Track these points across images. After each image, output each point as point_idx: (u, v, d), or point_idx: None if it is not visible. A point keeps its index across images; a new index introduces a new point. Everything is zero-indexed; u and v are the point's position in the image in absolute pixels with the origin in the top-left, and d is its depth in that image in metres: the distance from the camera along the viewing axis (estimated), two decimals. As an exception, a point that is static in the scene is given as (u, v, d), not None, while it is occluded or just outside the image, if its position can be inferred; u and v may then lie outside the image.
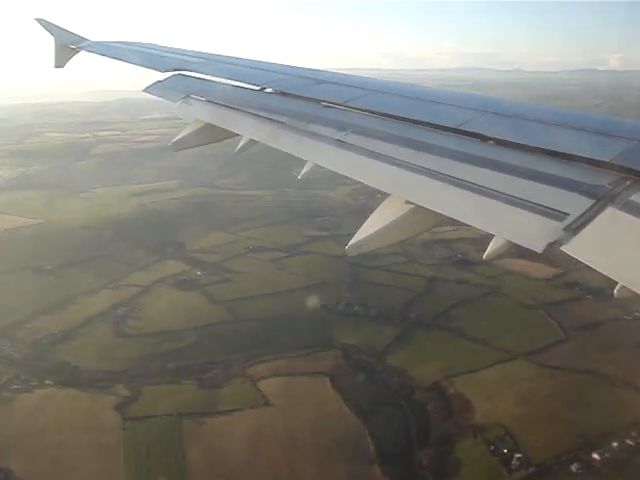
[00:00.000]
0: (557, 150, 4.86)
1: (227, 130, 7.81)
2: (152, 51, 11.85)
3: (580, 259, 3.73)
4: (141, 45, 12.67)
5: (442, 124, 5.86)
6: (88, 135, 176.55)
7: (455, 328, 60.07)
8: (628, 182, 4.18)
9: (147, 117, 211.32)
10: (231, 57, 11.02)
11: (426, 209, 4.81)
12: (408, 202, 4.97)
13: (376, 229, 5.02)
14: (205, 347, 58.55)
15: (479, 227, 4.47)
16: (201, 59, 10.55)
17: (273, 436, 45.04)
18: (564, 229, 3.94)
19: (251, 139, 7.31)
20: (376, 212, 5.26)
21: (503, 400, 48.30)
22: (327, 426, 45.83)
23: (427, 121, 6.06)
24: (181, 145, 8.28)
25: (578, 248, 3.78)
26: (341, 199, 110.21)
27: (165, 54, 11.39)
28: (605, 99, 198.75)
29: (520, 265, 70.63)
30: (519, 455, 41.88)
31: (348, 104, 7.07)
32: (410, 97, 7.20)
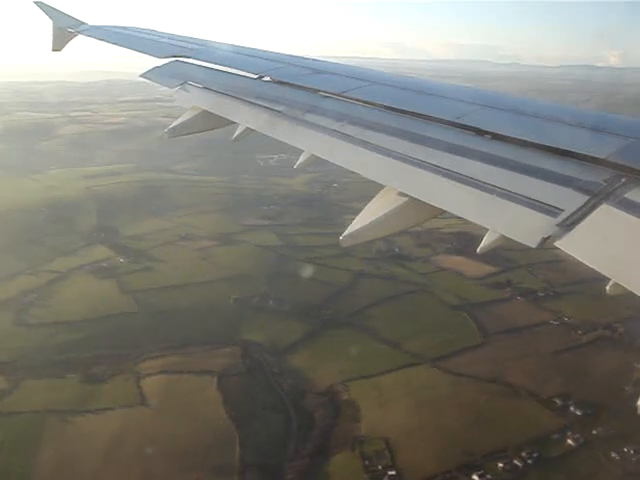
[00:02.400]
0: (553, 146, 4.75)
1: (224, 118, 7.65)
2: (150, 37, 11.75)
3: (573, 255, 3.62)
4: (140, 30, 12.54)
5: (439, 117, 5.79)
6: (59, 115, 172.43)
7: (369, 328, 55.92)
8: (623, 179, 4.11)
9: (126, 99, 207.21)
10: (229, 45, 10.96)
11: (421, 201, 4.71)
12: (403, 194, 4.87)
13: (371, 220, 4.88)
14: (101, 339, 54.91)
15: (473, 220, 4.32)
16: (199, 46, 10.40)
17: (135, 440, 41.28)
18: (558, 225, 3.85)
19: (248, 127, 7.13)
20: (371, 203, 5.13)
21: (395, 410, 44.28)
22: (196, 431, 41.98)
23: (424, 113, 5.97)
24: (177, 132, 7.92)
25: (572, 244, 3.70)
26: (296, 187, 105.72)
27: (163, 40, 11.28)
28: (593, 95, 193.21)
29: (455, 262, 66.57)
30: (392, 473, 38.05)
31: (346, 94, 6.95)
32: (408, 89, 7.13)
